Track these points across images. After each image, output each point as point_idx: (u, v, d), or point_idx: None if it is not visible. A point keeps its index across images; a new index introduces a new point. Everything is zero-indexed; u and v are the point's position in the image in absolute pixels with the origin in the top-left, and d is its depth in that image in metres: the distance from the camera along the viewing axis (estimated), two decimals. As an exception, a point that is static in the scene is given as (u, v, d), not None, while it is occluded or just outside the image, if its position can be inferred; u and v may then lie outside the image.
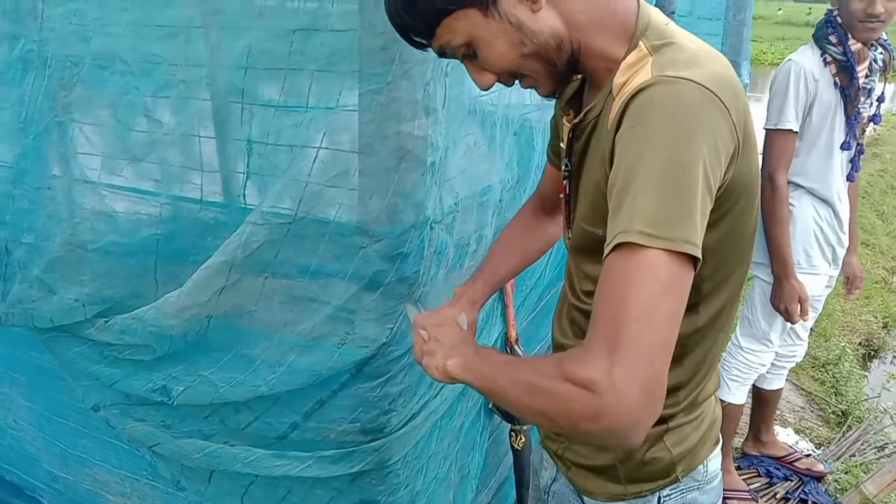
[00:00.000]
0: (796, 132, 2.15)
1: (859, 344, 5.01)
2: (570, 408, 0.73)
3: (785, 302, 2.19)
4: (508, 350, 1.66)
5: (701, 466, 1.06)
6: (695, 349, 1.00)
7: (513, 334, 1.65)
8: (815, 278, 2.27)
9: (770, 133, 2.17)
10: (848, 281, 2.51)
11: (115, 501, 1.84)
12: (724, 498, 2.38)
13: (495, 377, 0.85)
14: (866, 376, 4.85)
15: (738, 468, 2.70)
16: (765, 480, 2.63)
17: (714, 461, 1.08)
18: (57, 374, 1.64)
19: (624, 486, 1.07)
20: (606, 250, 0.75)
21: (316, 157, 1.23)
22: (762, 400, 2.62)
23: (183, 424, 1.51)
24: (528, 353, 1.78)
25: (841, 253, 2.30)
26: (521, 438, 1.68)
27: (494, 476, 1.85)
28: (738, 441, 2.95)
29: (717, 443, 1.09)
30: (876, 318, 5.29)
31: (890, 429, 3.90)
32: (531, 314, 1.86)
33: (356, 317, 1.29)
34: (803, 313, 2.19)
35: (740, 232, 0.91)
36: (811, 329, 2.64)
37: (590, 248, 0.96)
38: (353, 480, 1.44)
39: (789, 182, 2.20)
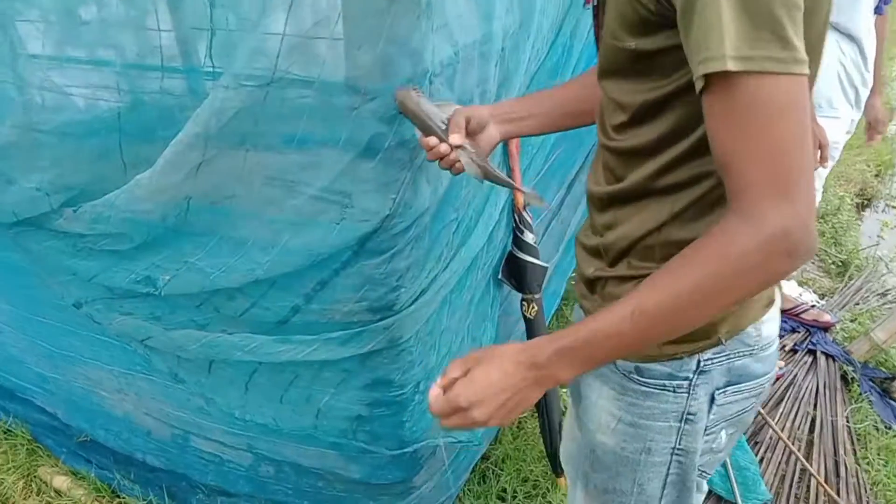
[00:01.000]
0: None
1: (854, 194, 4.98)
2: (772, 270, 0.73)
3: None
4: (517, 218, 1.55)
5: (752, 329, 0.96)
6: None
7: (520, 200, 1.54)
8: (836, 122, 2.15)
9: None
10: (870, 125, 2.39)
11: (112, 398, 1.78)
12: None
13: (644, 316, 0.78)
14: (860, 224, 4.86)
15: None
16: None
17: (769, 325, 0.99)
18: (32, 272, 1.53)
19: (658, 345, 0.96)
20: (699, 83, 0.71)
21: (291, 4, 1.07)
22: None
23: (174, 315, 1.42)
24: (535, 219, 1.68)
25: (864, 94, 2.17)
26: (532, 307, 1.61)
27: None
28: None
29: (770, 304, 0.99)
30: (869, 166, 5.24)
31: (888, 277, 3.93)
32: (537, 177, 1.74)
33: (354, 188, 1.17)
34: (822, 160, 2.09)
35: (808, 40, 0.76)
36: (825, 178, 2.56)
37: (621, 68, 0.86)
38: (364, 361, 1.37)
39: None
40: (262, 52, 1.09)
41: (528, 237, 1.56)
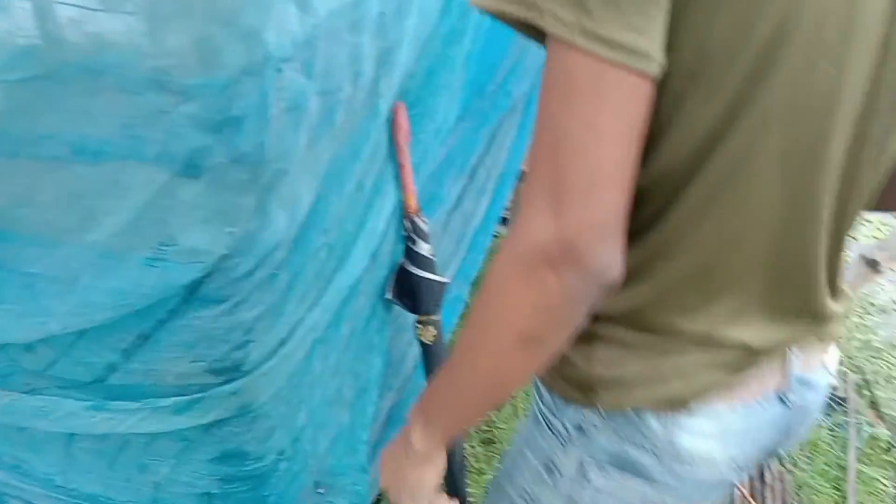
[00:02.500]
0: None
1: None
2: (524, 291, 0.61)
3: None
4: (408, 226, 1.27)
5: (650, 419, 0.78)
6: (665, 229, 0.71)
7: (413, 204, 1.26)
8: None
9: None
10: None
11: None
12: None
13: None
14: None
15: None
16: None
17: (692, 438, 0.78)
18: None
19: (552, 375, 0.84)
20: None
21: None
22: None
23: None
24: (431, 220, 1.41)
25: None
26: (429, 330, 1.35)
27: (400, 374, 1.54)
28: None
29: (683, 405, 0.77)
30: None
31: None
32: (433, 168, 1.46)
33: (173, 219, 0.86)
34: None
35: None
36: None
37: None
38: (209, 430, 1.08)
39: None
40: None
41: (423, 248, 1.29)
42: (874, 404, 2.30)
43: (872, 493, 2.03)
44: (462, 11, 1.30)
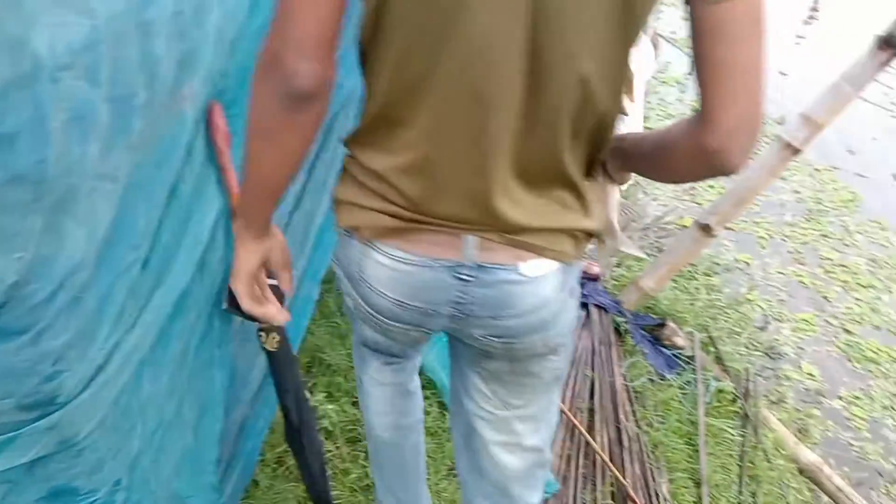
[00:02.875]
0: None
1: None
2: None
3: None
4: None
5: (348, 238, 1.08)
6: (368, 76, 0.98)
7: (239, 206, 1.21)
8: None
9: None
10: None
11: None
12: None
13: None
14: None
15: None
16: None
17: (366, 258, 1.05)
18: None
19: None
20: None
21: None
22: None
23: None
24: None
25: None
26: (273, 337, 1.31)
27: (249, 385, 1.49)
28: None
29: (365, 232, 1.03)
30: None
31: (646, 202, 4.16)
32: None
33: (-52, 247, 0.78)
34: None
35: None
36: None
37: None
38: (32, 469, 1.00)
39: None
40: None
41: (256, 253, 1.25)
42: (719, 360, 2.47)
43: (720, 444, 2.19)
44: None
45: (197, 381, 1.25)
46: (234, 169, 1.24)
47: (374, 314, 1.11)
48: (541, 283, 1.00)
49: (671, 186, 4.63)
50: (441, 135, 0.92)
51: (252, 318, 1.31)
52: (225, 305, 1.28)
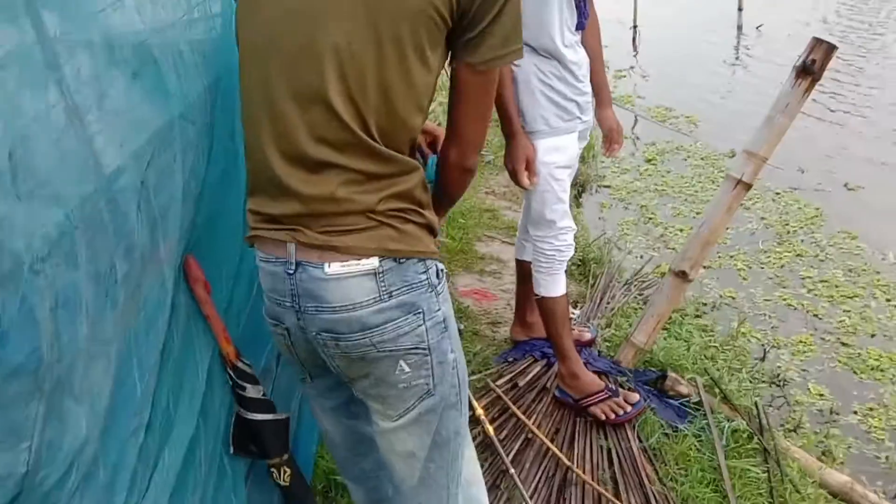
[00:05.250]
0: None
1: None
2: None
3: (512, 162, 2.11)
4: (231, 374, 1.25)
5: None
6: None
7: (230, 350, 1.25)
8: (565, 138, 2.14)
9: None
10: (606, 137, 2.44)
11: None
12: (583, 406, 2.29)
13: None
14: (582, 213, 5.24)
15: (514, 360, 2.64)
16: (543, 363, 2.60)
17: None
18: None
19: None
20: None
21: None
22: (526, 276, 2.50)
23: None
24: (259, 363, 1.39)
25: (585, 102, 2.19)
26: (284, 471, 1.32)
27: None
28: (504, 332, 2.90)
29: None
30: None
31: (622, 260, 4.23)
32: (247, 306, 1.45)
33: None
34: (531, 174, 2.09)
35: None
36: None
37: None
38: None
39: None
40: None
41: (254, 391, 1.27)
42: (726, 399, 2.48)
43: (748, 484, 2.17)
44: (232, 156, 1.33)
45: (217, 532, 1.25)
46: (219, 314, 1.27)
47: (265, 316, 1.24)
48: (345, 282, 1.09)
49: (643, 239, 4.73)
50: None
51: (262, 457, 1.32)
52: (233, 450, 1.29)
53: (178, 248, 1.13)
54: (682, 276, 2.38)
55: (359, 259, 1.08)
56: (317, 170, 1.07)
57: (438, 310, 1.17)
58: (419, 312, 1.14)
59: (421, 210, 1.14)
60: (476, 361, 2.66)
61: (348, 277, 1.08)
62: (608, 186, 5.68)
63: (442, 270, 1.20)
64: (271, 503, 1.47)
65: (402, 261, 1.11)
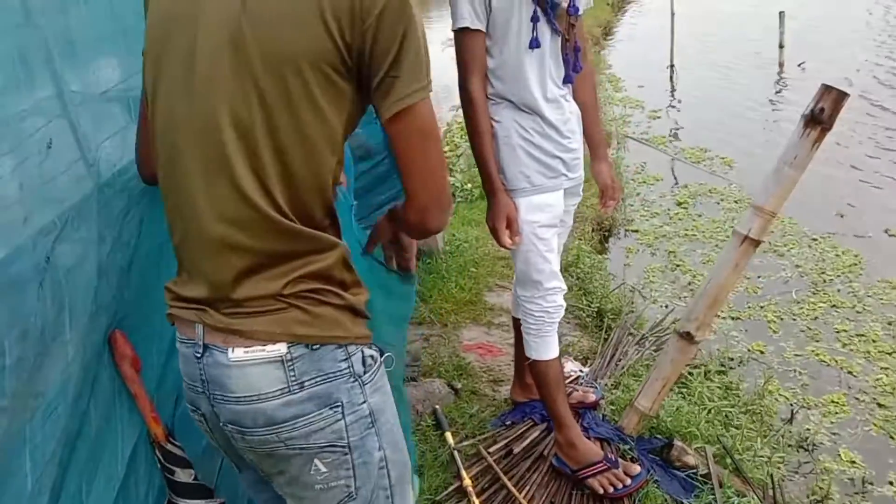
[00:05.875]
0: (476, 30, 1.94)
1: (592, 230, 5.25)
2: None
3: (492, 220, 2.05)
4: (160, 457, 1.19)
5: None
6: None
7: (160, 431, 1.19)
8: (549, 196, 2.07)
9: (455, 36, 1.98)
10: (602, 192, 2.37)
11: None
12: (580, 477, 2.18)
13: None
14: (608, 259, 5.12)
15: (513, 424, 2.54)
16: (543, 427, 2.48)
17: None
18: None
19: None
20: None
21: None
22: (520, 335, 2.40)
23: None
24: (201, 441, 1.34)
25: (572, 159, 2.12)
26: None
27: None
28: (505, 391, 2.80)
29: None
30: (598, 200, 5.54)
31: (643, 307, 4.09)
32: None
33: None
34: (512, 234, 2.01)
35: None
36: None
37: None
38: None
39: (491, 95, 2.05)
40: None
41: (184, 475, 1.21)
42: (738, 471, 2.33)
43: (756, 567, 2.02)
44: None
45: None
46: (149, 392, 1.22)
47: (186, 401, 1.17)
48: (249, 369, 1.02)
49: (669, 287, 4.59)
50: None
51: None
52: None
53: (93, 324, 1.09)
54: (688, 337, 2.26)
55: (264, 345, 1.00)
56: (220, 251, 1.00)
57: (363, 402, 1.07)
58: (337, 406, 1.04)
59: (340, 291, 1.05)
60: (471, 424, 2.56)
61: (252, 364, 1.00)
62: (636, 231, 5.56)
63: (372, 357, 1.11)
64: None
65: (315, 347, 1.02)
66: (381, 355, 1.14)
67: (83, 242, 1.06)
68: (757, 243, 2.16)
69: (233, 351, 1.01)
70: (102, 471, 1.10)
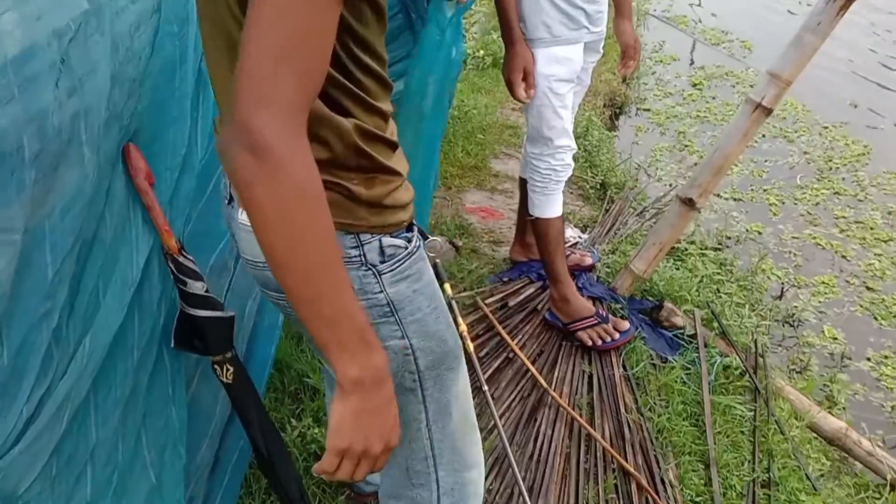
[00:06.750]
0: None
1: (604, 106, 5.17)
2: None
3: (508, 71, 2.02)
4: (173, 268, 1.24)
5: None
6: None
7: (172, 243, 1.23)
8: (568, 49, 2.04)
9: None
10: (623, 52, 2.33)
11: None
12: (571, 330, 2.26)
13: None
14: (616, 136, 5.08)
15: (510, 280, 2.61)
16: (538, 285, 2.56)
17: None
18: None
19: None
20: None
21: None
22: (526, 194, 2.43)
23: None
24: (209, 259, 1.38)
25: (596, 12, 2.07)
26: (227, 369, 1.32)
27: (213, 420, 1.51)
28: (505, 251, 2.86)
29: None
30: (615, 74, 5.44)
31: (647, 185, 4.11)
32: (203, 199, 1.43)
33: None
34: (528, 87, 2.00)
35: None
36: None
37: None
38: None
39: None
40: None
41: (196, 286, 1.27)
42: (724, 334, 2.42)
43: (729, 421, 2.14)
44: (182, 42, 1.28)
45: (153, 421, 1.27)
46: (162, 206, 1.25)
47: None
48: (252, 236, 0.91)
49: (675, 167, 4.58)
50: None
51: (204, 353, 1.33)
52: (174, 345, 1.29)
53: (108, 131, 1.11)
54: (690, 203, 2.29)
55: None
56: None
57: (379, 292, 1.02)
58: None
59: (351, 187, 0.96)
60: (470, 279, 2.64)
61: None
62: (648, 110, 5.48)
63: (396, 246, 1.03)
64: (218, 400, 1.49)
65: None
66: (423, 239, 1.09)
67: (97, 48, 1.07)
68: (769, 112, 2.15)
69: (242, 213, 0.99)
70: (119, 273, 1.15)
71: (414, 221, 1.11)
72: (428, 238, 1.17)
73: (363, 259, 1.01)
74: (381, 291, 1.04)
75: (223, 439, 1.55)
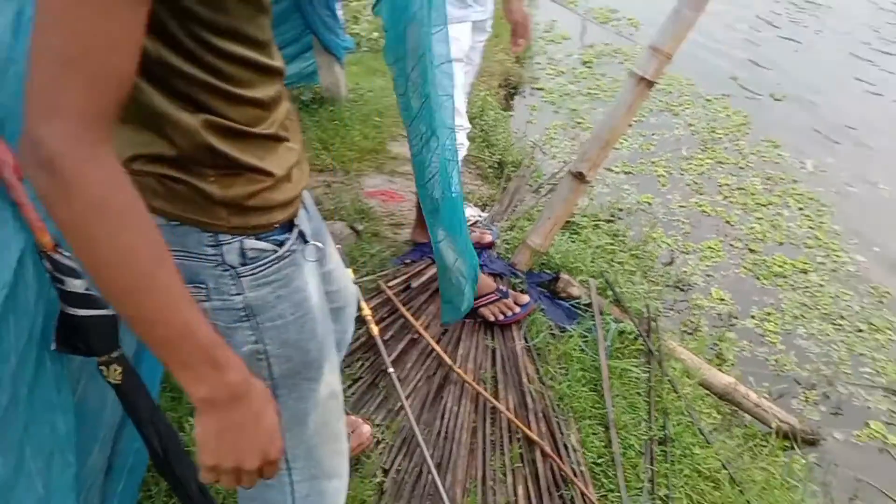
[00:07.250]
0: None
1: (498, 86, 5.23)
2: None
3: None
4: (48, 265, 1.18)
5: None
6: None
7: (47, 240, 1.17)
8: (456, 28, 2.04)
9: None
10: (513, 30, 2.34)
11: None
12: (474, 308, 2.27)
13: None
14: (512, 116, 5.16)
15: (412, 262, 2.62)
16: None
17: None
18: None
19: None
20: None
21: None
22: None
23: None
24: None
25: None
26: (114, 369, 1.27)
27: (103, 422, 1.45)
28: (406, 234, 2.86)
29: None
30: (508, 54, 5.51)
31: (543, 163, 4.20)
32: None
33: None
34: None
35: None
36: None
37: None
38: None
39: None
40: None
41: (75, 284, 1.20)
42: (618, 302, 2.51)
43: (626, 384, 2.23)
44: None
45: (37, 429, 1.20)
46: (32, 202, 1.19)
47: None
48: None
49: (569, 144, 4.69)
50: None
51: (88, 354, 1.27)
52: (54, 346, 1.23)
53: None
54: (580, 177, 2.35)
55: None
56: None
57: (236, 294, 0.96)
58: (201, 286, 0.95)
59: (201, 185, 0.90)
60: (372, 263, 2.63)
61: None
62: (541, 89, 5.58)
63: (262, 250, 0.97)
64: (107, 403, 1.43)
65: (174, 224, 0.91)
66: (304, 244, 1.04)
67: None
68: (651, 84, 2.23)
69: None
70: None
71: (296, 222, 1.04)
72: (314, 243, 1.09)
73: (221, 259, 0.95)
74: (239, 294, 0.97)
75: (116, 443, 1.49)
